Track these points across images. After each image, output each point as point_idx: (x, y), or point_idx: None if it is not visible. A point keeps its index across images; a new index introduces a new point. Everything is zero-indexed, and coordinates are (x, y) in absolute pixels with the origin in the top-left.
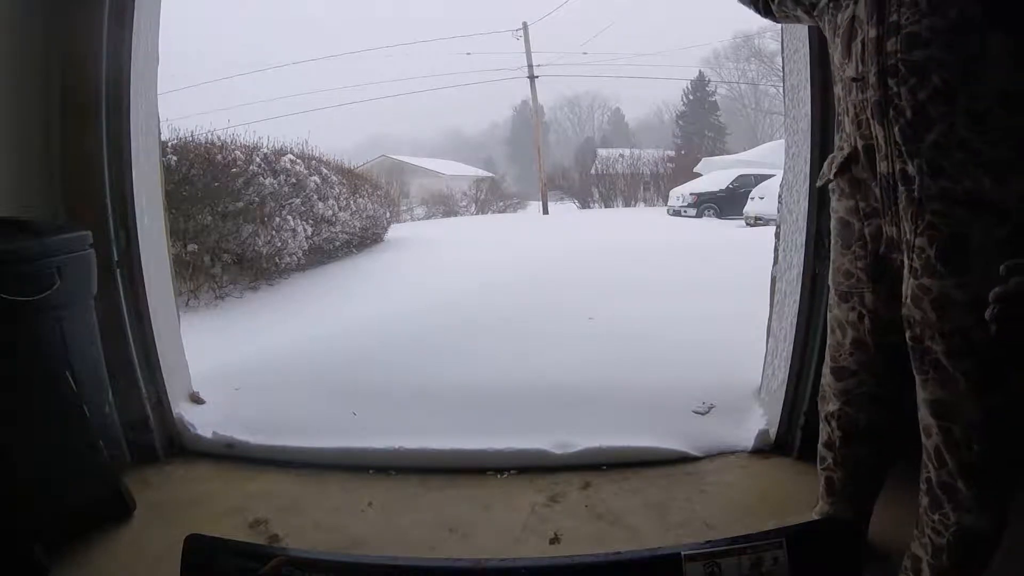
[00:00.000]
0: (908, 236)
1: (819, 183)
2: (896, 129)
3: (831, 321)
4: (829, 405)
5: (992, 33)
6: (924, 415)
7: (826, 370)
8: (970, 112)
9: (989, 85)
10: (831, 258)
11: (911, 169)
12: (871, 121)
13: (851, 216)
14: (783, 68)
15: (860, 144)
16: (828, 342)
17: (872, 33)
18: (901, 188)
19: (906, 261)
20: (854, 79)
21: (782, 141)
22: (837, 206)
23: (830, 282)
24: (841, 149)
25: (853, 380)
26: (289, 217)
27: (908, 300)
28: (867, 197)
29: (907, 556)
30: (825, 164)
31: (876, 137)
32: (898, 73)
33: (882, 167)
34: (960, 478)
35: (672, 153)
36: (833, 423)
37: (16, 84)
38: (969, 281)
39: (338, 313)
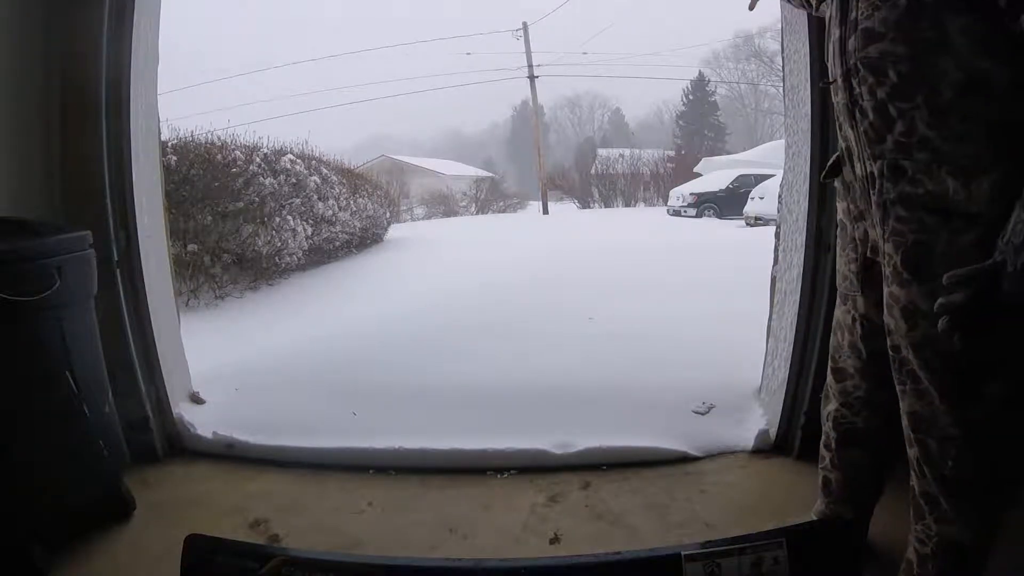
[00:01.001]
0: (880, 241)
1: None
2: (862, 130)
3: (834, 321)
4: (829, 405)
5: (950, 16)
6: (904, 425)
7: (828, 369)
8: (930, 107)
9: (950, 76)
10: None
11: (876, 172)
12: (844, 124)
13: (845, 218)
14: (783, 68)
15: (843, 146)
16: (831, 342)
17: (836, 34)
18: (871, 191)
19: (882, 266)
20: (826, 82)
21: (782, 141)
22: (837, 207)
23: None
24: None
25: (850, 383)
26: (289, 217)
27: (885, 307)
28: (855, 199)
29: (904, 559)
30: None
31: (850, 139)
32: (859, 73)
33: (858, 169)
34: (939, 491)
35: (672, 153)
36: (830, 423)
37: (16, 84)
38: (935, 289)
39: (338, 313)
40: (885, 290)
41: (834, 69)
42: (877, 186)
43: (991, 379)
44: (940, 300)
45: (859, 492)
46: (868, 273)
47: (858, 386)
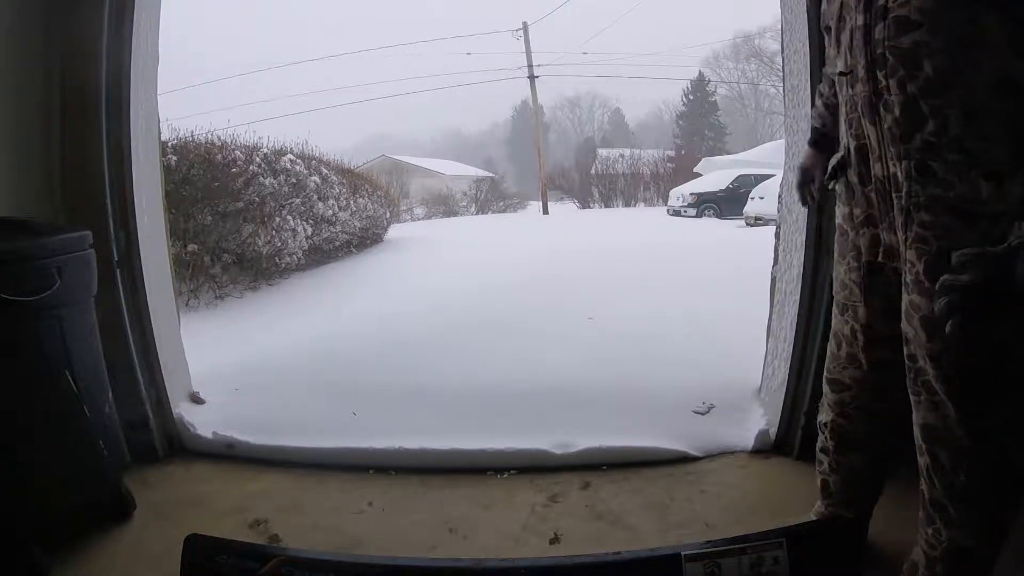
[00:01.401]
0: (901, 247)
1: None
2: (886, 127)
3: (831, 331)
4: (823, 415)
5: (989, 13)
6: (916, 434)
7: (824, 380)
8: (964, 106)
9: (986, 74)
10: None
11: (901, 173)
12: (862, 119)
13: (846, 223)
14: (783, 68)
15: (852, 145)
16: (827, 351)
17: (859, 20)
18: (893, 194)
19: (902, 273)
20: (842, 73)
21: (782, 141)
22: (836, 212)
23: (834, 291)
24: (839, 152)
25: (847, 394)
26: (289, 217)
27: (903, 315)
28: (859, 204)
29: (908, 560)
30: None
31: (868, 137)
32: (886, 63)
33: (876, 169)
34: (949, 500)
35: (672, 153)
36: (826, 432)
37: (16, 84)
38: None
39: (338, 313)
40: (904, 298)
41: (852, 59)
42: (904, 188)
43: (1007, 390)
44: (944, 277)
45: (858, 494)
46: (872, 280)
47: (856, 396)
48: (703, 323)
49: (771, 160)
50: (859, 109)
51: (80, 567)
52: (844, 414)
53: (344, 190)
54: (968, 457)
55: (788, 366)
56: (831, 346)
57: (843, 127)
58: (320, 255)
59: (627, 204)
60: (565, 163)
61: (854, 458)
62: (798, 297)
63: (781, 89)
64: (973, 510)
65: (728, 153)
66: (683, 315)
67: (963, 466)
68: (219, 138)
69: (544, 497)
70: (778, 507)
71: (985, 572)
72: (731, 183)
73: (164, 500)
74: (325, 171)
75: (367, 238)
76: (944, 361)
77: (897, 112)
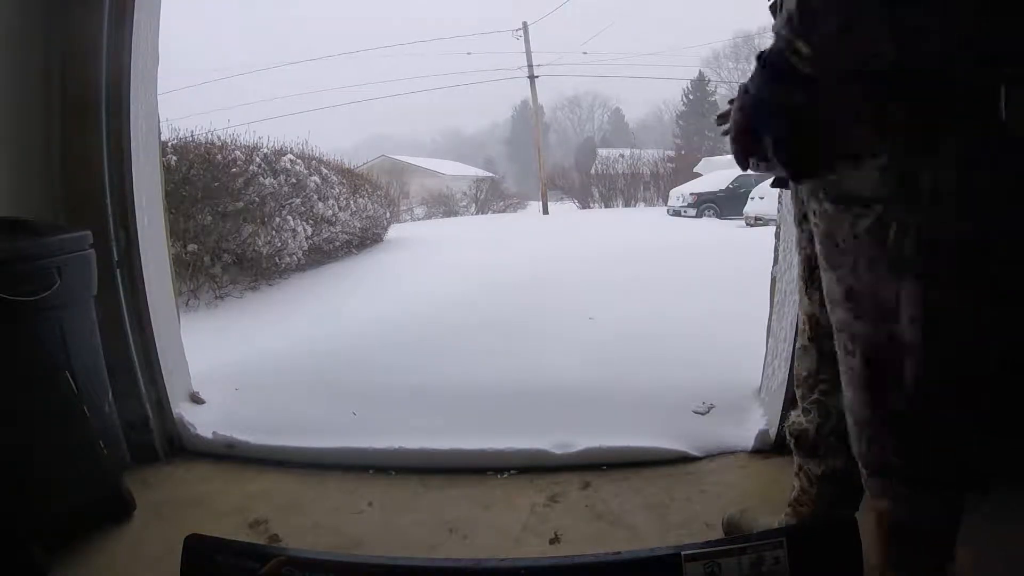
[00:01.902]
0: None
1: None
2: None
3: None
4: (790, 413)
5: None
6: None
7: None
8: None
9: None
10: None
11: None
12: None
13: (795, 222)
14: None
15: None
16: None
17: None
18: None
19: None
20: None
21: None
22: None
23: None
24: None
25: (804, 387)
26: (289, 217)
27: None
28: (796, 203)
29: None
30: None
31: None
32: None
33: None
34: (863, 467)
35: (672, 153)
36: (786, 429)
37: (16, 84)
38: (843, 277)
39: (338, 313)
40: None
41: None
42: (792, 184)
43: (909, 366)
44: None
45: (821, 503)
46: (812, 274)
47: (812, 388)
48: (703, 323)
49: None
50: None
51: (80, 567)
52: (805, 411)
53: (344, 190)
54: (870, 426)
55: (788, 366)
56: (798, 342)
57: None
58: (320, 255)
59: (627, 204)
60: (565, 163)
61: (812, 463)
62: (798, 297)
63: None
64: (886, 481)
65: (728, 153)
66: (683, 315)
67: (866, 434)
68: (219, 138)
69: (544, 497)
70: (778, 507)
71: (940, 555)
72: (731, 183)
73: (164, 500)
74: (325, 171)
75: (367, 238)
76: (843, 336)
77: None
